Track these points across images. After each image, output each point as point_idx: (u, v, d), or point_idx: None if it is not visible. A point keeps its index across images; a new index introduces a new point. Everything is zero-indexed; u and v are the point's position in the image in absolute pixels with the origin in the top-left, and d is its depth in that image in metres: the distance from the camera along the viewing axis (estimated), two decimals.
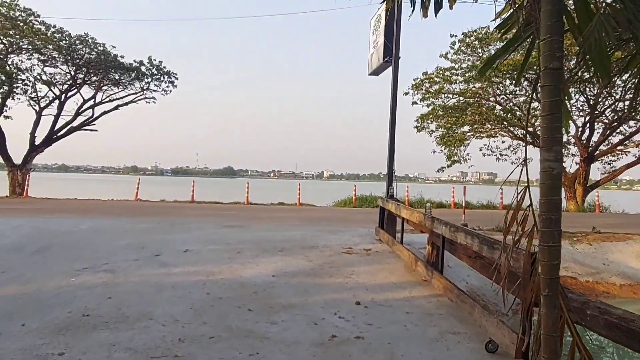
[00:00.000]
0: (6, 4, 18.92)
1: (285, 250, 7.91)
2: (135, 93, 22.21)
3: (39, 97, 21.58)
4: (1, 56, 19.86)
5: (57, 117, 21.27)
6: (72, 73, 21.33)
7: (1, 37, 19.50)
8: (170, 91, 22.36)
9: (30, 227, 9.46)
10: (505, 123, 22.68)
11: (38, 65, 20.86)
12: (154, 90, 22.22)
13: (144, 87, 21.96)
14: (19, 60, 20.69)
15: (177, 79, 22.20)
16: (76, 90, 21.54)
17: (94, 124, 22.10)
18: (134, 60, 21.17)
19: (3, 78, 19.10)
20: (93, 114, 22.09)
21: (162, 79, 21.77)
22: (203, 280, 5.90)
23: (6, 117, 21.65)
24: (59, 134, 21.41)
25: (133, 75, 21.22)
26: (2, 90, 20.67)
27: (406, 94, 22.17)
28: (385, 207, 8.64)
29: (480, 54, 21.01)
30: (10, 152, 20.85)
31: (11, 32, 19.49)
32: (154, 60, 21.36)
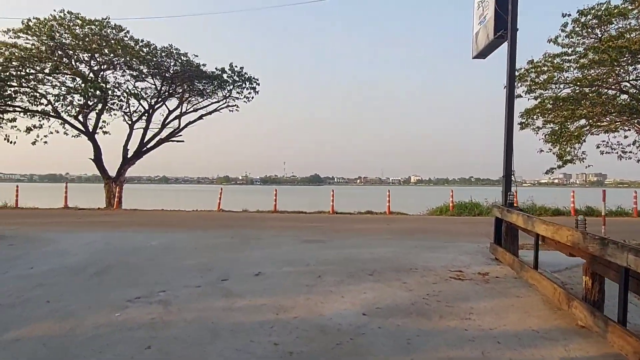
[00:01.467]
0: (98, 22, 19.59)
1: (376, 274, 6.35)
2: (218, 101, 22.06)
3: (131, 112, 22.26)
4: (94, 73, 20.65)
5: (145, 129, 21.74)
6: (159, 86, 21.68)
7: (96, 54, 20.27)
8: (252, 97, 21.90)
9: (102, 243, 8.88)
10: (632, 114, 19.07)
11: (130, 80, 21.51)
12: (236, 98, 21.91)
13: (227, 95, 21.71)
14: (114, 76, 21.45)
15: (258, 84, 21.69)
16: (162, 102, 21.86)
17: (180, 135, 22.29)
18: (216, 68, 21.00)
19: (98, 94, 19.75)
20: (179, 125, 22.30)
21: (243, 85, 21.35)
22: (271, 320, 4.53)
23: (105, 132, 22.61)
24: (147, 146, 21.82)
25: (215, 83, 21.03)
26: (97, 106, 21.57)
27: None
28: (504, 219, 6.73)
29: (599, 35, 17.83)
30: (105, 165, 21.70)
31: (105, 51, 20.20)
32: (235, 66, 21.02)
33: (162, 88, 21.78)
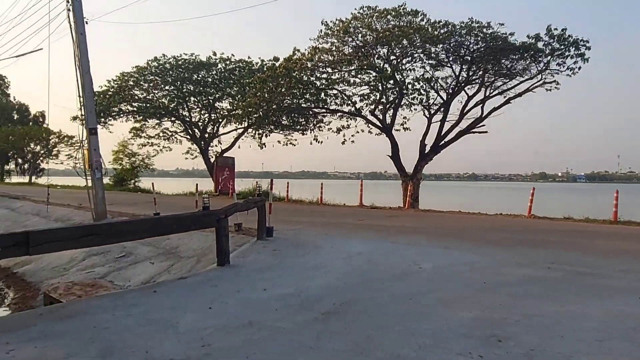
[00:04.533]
0: (394, 11, 18.57)
1: None
2: (531, 78, 17.68)
3: (430, 104, 20.59)
4: (392, 67, 19.81)
5: (443, 121, 19.58)
6: (457, 71, 19.14)
7: (393, 46, 19.40)
8: (579, 68, 16.56)
9: (364, 259, 6.93)
10: None
11: (429, 71, 19.83)
12: (556, 72, 17.01)
13: (542, 69, 17.11)
14: (412, 67, 20.19)
15: (588, 48, 16.17)
16: (459, 88, 19.18)
17: (482, 125, 19.10)
18: (527, 36, 16.73)
19: (392, 85, 18.83)
20: (482, 114, 19.12)
21: (566, 52, 16.31)
22: None
23: (405, 129, 21.82)
24: (445, 140, 19.61)
25: (527, 57, 16.82)
26: (395, 101, 20.81)
27: None
28: None
29: None
30: (405, 162, 20.75)
31: (404, 42, 19.12)
32: (554, 29, 16.18)
33: (462, 73, 19.12)
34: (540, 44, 16.62)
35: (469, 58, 18.42)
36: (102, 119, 27.88)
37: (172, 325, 4.04)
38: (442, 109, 20.13)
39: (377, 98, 20.85)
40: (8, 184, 42.78)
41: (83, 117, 13.39)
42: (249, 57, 28.01)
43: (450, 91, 19.56)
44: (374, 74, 20.71)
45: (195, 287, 5.49)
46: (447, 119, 19.59)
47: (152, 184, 16.60)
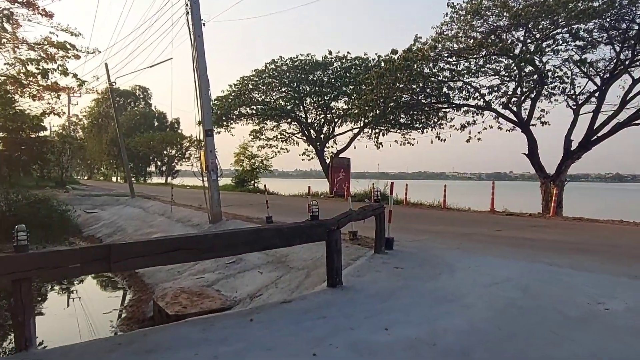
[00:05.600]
0: None
1: None
2: None
3: (576, 93, 17.45)
4: (530, 54, 17.12)
5: (596, 113, 16.35)
6: (616, 51, 15.81)
7: (531, 27, 16.74)
8: None
9: (516, 288, 5.25)
10: None
11: (576, 53, 16.76)
12: None
13: None
14: (553, 51, 17.26)
15: None
16: (620, 72, 15.81)
17: None
18: None
19: (535, 77, 16.22)
20: None
21: None
22: None
23: (543, 123, 18.92)
24: (598, 135, 16.37)
25: None
26: (532, 92, 18.06)
27: None
28: None
29: None
30: (543, 161, 17.88)
31: (543, 23, 16.39)
32: None
33: (621, 54, 15.76)
34: None
35: (631, 34, 15.06)
36: (225, 122, 29.03)
37: None
38: (592, 98, 16.90)
39: (511, 89, 18.29)
40: (148, 184, 47.41)
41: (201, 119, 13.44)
42: (365, 54, 27.02)
43: (607, 76, 16.25)
44: (505, 62, 18.21)
45: (299, 316, 4.42)
46: (601, 110, 16.32)
47: (265, 185, 16.33)
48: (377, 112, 21.04)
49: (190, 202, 17.30)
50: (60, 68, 18.97)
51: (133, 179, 53.46)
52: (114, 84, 24.40)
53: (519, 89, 18.30)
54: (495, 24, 16.91)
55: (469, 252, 7.40)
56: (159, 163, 56.25)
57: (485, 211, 15.43)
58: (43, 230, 16.87)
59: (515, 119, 18.48)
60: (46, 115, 22.32)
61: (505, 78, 18.74)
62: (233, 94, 28.14)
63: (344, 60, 27.31)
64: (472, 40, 17.21)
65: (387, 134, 24.46)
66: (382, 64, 22.18)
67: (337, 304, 4.81)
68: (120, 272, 4.60)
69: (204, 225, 13.21)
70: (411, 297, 4.99)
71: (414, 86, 19.45)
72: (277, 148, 31.59)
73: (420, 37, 18.71)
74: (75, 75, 20.61)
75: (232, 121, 29.29)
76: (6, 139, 27.05)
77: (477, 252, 7.41)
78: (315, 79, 27.39)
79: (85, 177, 68.25)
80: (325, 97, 27.81)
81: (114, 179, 61.87)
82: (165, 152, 53.53)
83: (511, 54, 17.20)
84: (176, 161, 54.72)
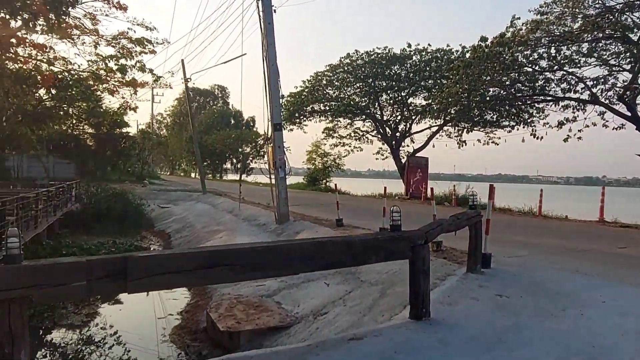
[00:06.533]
0: None
1: None
2: None
3: None
4: None
5: None
6: None
7: None
8: None
9: None
10: None
11: None
12: None
13: None
14: None
15: None
16: None
17: None
18: None
19: None
20: None
21: None
22: None
23: None
24: None
25: None
26: None
27: None
28: None
29: None
30: None
31: None
32: None
33: None
34: None
35: None
36: (297, 119, 28.39)
37: None
38: None
39: (621, 80, 15.70)
40: (223, 181, 48.43)
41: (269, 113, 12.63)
42: (447, 45, 25.03)
43: None
44: (616, 49, 15.65)
45: None
46: None
47: (335, 185, 15.19)
48: (461, 107, 19.14)
49: (259, 200, 16.68)
50: (138, 64, 19.31)
51: (209, 176, 55.03)
52: (189, 79, 24.66)
53: (631, 78, 15.61)
54: (607, 3, 14.49)
55: (594, 276, 5.73)
56: (234, 160, 57.42)
57: (592, 221, 13.14)
58: (118, 223, 17.13)
59: (628, 113, 15.81)
60: (123, 110, 22.96)
61: (614, 68, 16.13)
62: (306, 90, 27.41)
63: (423, 53, 25.51)
64: (578, 23, 14.88)
65: (471, 132, 22.34)
66: (467, 55, 20.24)
67: (423, 349, 3.54)
68: (139, 292, 3.75)
69: (270, 225, 12.40)
70: (529, 347, 3.58)
71: (504, 78, 17.38)
72: (350, 146, 30.41)
73: (519, 18, 16.57)
74: (151, 71, 20.97)
75: (304, 118, 28.59)
76: (92, 134, 28.47)
77: (604, 277, 5.73)
78: (392, 73, 25.86)
79: (168, 173, 71.71)
80: (403, 93, 26.19)
81: (192, 174, 64.26)
82: (240, 149, 54.49)
83: (626, 39, 14.65)
84: (250, 158, 55.53)
